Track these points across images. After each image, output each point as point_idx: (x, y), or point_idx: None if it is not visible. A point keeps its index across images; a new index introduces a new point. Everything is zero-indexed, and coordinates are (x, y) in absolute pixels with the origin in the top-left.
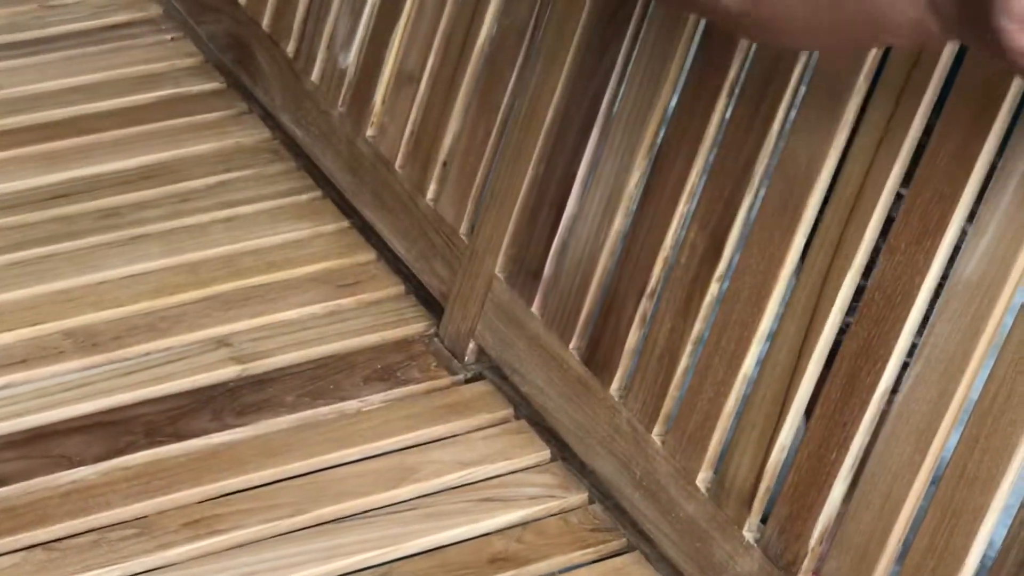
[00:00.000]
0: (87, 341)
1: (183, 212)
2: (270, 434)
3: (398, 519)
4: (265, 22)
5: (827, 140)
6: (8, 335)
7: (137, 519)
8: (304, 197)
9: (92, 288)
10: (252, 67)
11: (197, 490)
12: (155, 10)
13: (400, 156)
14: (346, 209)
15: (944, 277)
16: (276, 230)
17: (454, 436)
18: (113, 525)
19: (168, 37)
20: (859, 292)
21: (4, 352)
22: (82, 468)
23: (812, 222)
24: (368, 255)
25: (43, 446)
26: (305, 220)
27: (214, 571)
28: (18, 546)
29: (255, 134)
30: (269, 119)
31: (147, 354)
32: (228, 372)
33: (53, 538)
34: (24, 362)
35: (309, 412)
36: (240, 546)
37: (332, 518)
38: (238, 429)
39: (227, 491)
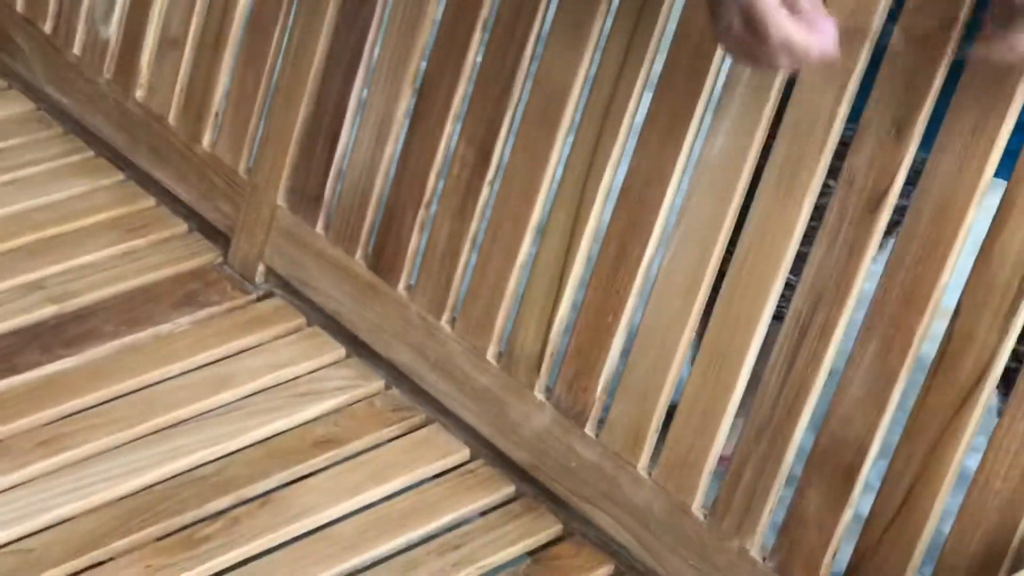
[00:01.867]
0: None
1: None
2: (97, 360)
3: (226, 419)
4: (19, 5)
5: (579, 55)
6: None
7: None
8: (77, 157)
9: None
10: (10, 47)
11: (42, 414)
12: None
13: (172, 112)
14: (120, 164)
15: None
16: (59, 188)
17: (260, 345)
18: None
19: None
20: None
21: None
22: None
23: (570, 127)
24: (149, 202)
25: None
26: (83, 177)
27: (72, 480)
28: None
29: (20, 106)
30: (31, 92)
31: None
32: (47, 311)
33: None
34: None
35: (128, 338)
36: (89, 457)
37: (167, 425)
38: (67, 359)
39: (69, 412)
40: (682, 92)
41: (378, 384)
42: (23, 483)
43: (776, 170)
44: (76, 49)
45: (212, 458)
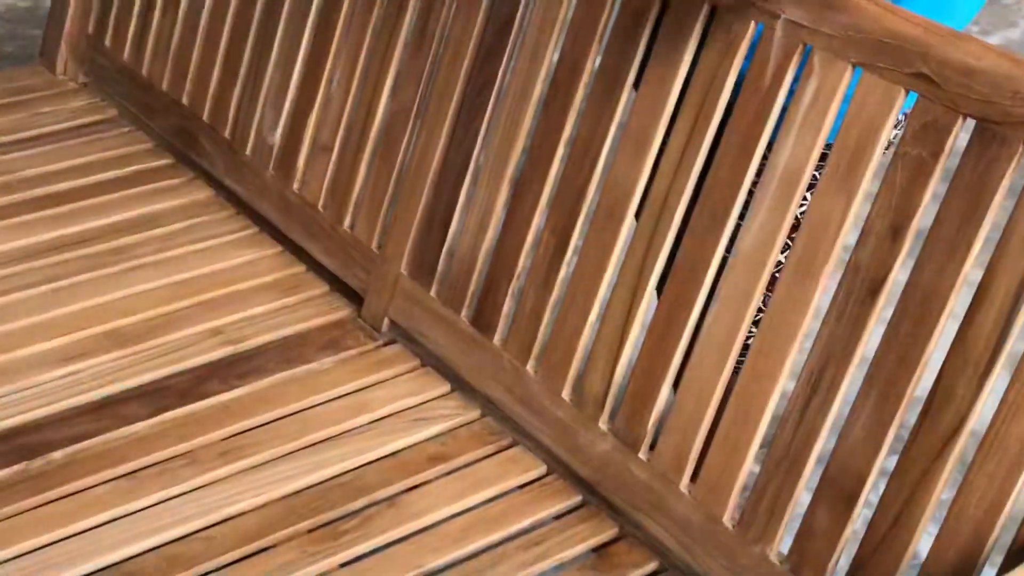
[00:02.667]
0: (121, 338)
1: (167, 247)
2: (262, 389)
3: (360, 438)
4: (205, 115)
5: (639, 167)
6: (64, 338)
7: (184, 453)
8: (246, 233)
9: (115, 302)
10: (196, 147)
11: (221, 431)
12: (112, 112)
13: (321, 200)
14: (279, 239)
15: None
16: (232, 256)
17: (385, 381)
18: (170, 459)
19: (126, 130)
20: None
21: (62, 350)
22: (138, 423)
23: (632, 223)
24: (300, 268)
25: (108, 411)
26: (250, 248)
27: (245, 484)
28: (108, 478)
29: (203, 193)
30: (212, 182)
31: (165, 343)
32: (224, 351)
33: (131, 471)
34: (80, 355)
35: (287, 372)
36: (257, 466)
37: (316, 441)
38: (240, 389)
39: (241, 430)
40: (722, 194)
41: (475, 413)
42: (206, 485)
43: (796, 259)
44: (248, 150)
45: (350, 468)
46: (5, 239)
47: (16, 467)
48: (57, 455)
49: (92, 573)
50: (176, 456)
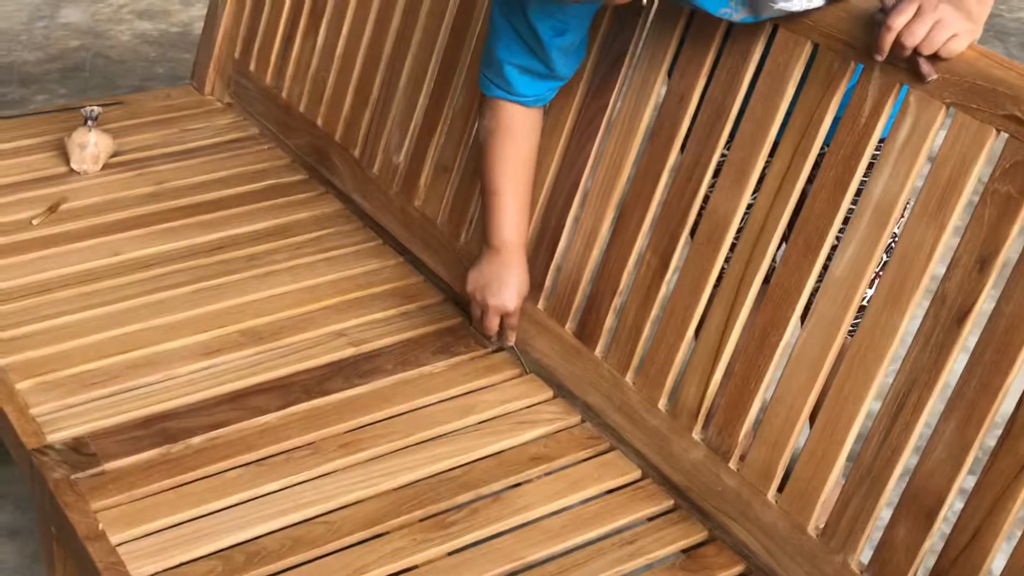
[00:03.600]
0: (255, 336)
1: (298, 255)
2: (381, 388)
3: (469, 437)
4: (337, 135)
5: (740, 193)
6: (204, 335)
7: (308, 444)
8: (371, 244)
9: (250, 304)
10: (328, 164)
11: (343, 424)
12: (254, 130)
13: (439, 217)
14: (400, 250)
15: (822, 275)
16: (357, 265)
17: (493, 385)
18: (295, 448)
19: (265, 147)
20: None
21: (203, 345)
22: (268, 415)
23: (728, 248)
24: (419, 278)
25: (242, 402)
26: (374, 259)
27: (362, 474)
28: (239, 463)
29: (333, 207)
30: (341, 196)
31: (295, 343)
32: (348, 352)
33: (260, 458)
34: (218, 351)
35: (403, 374)
36: (374, 459)
37: (428, 438)
38: (361, 387)
39: (361, 424)
40: (817, 224)
41: (576, 419)
42: (328, 473)
43: (886, 287)
44: (375, 169)
45: (459, 463)
46: (154, 243)
47: (158, 449)
48: (195, 440)
49: (222, 550)
50: (301, 446)
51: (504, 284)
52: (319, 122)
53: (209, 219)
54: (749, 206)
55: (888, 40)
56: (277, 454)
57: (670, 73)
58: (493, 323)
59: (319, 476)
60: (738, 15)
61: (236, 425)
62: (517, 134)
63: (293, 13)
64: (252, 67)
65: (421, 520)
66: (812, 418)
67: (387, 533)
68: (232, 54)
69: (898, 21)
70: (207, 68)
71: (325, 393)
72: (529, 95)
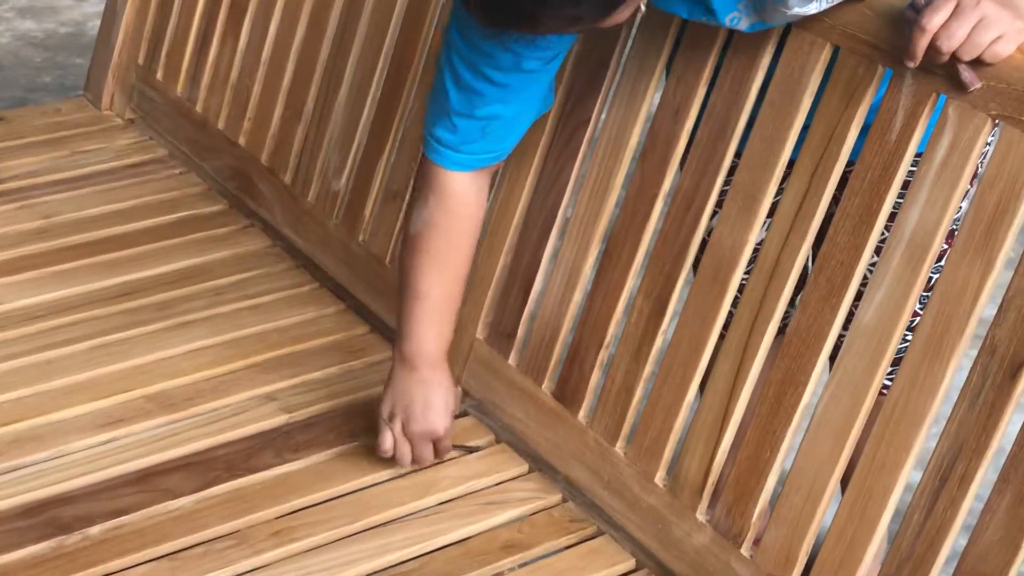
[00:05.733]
0: (166, 402)
1: (218, 303)
2: (320, 464)
3: (427, 521)
4: (264, 157)
5: (750, 223)
6: (104, 401)
7: (232, 533)
8: (306, 288)
9: (161, 363)
10: (254, 192)
11: (274, 509)
12: (162, 152)
13: (389, 254)
14: (341, 295)
15: (848, 322)
16: (290, 314)
17: (455, 459)
18: (216, 539)
19: (176, 172)
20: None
21: (104, 414)
22: (183, 498)
23: (736, 290)
24: (364, 328)
25: (151, 483)
26: (310, 306)
27: (297, 569)
28: (148, 558)
29: (259, 243)
30: (270, 231)
31: (214, 410)
32: (279, 420)
33: (173, 551)
34: (122, 420)
35: (347, 446)
36: (312, 549)
37: (378, 524)
38: (296, 462)
39: (296, 508)
40: (841, 259)
41: (556, 497)
42: (255, 569)
43: (924, 336)
44: (311, 197)
45: (415, 555)
46: (42, 290)
47: (49, 542)
48: (94, 530)
49: None
50: (223, 536)
51: (429, 406)
52: (241, 141)
53: (109, 260)
54: (760, 240)
55: (922, 43)
56: (194, 546)
57: (665, 78)
58: (427, 453)
59: (245, 572)
60: (745, 23)
61: (143, 511)
62: (464, 219)
63: (209, 10)
64: (160, 75)
65: None
66: (841, 490)
67: None
68: (135, 59)
69: (934, 20)
70: (104, 77)
71: (252, 471)
72: (493, 150)
